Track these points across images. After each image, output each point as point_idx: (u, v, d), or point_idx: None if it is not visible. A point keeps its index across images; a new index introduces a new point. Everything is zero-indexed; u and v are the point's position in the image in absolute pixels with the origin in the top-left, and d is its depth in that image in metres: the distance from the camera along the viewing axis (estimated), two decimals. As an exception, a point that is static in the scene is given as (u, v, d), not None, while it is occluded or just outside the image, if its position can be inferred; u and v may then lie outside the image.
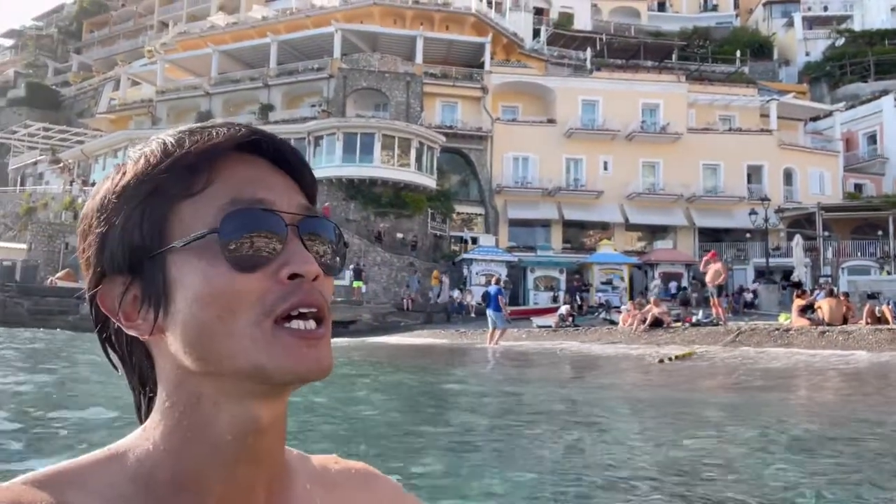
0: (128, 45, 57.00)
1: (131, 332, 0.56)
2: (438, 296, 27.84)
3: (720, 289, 13.49)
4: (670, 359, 10.14)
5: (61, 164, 40.81)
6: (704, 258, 15.20)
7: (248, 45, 38.87)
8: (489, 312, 15.19)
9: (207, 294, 0.52)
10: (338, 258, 0.59)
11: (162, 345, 0.55)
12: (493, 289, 15.36)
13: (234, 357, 0.52)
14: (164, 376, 0.56)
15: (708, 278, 13.77)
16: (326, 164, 30.36)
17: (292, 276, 0.53)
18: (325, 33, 36.22)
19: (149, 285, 0.54)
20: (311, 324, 0.54)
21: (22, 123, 45.16)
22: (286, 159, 0.59)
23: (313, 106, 35.03)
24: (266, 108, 35.93)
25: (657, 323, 13.55)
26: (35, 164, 43.24)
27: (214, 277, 0.52)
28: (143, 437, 0.56)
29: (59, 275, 26.24)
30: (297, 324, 0.53)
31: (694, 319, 14.54)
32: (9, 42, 68.61)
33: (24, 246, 30.92)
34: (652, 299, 15.94)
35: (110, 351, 0.61)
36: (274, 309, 0.52)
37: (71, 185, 37.09)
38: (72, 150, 40.99)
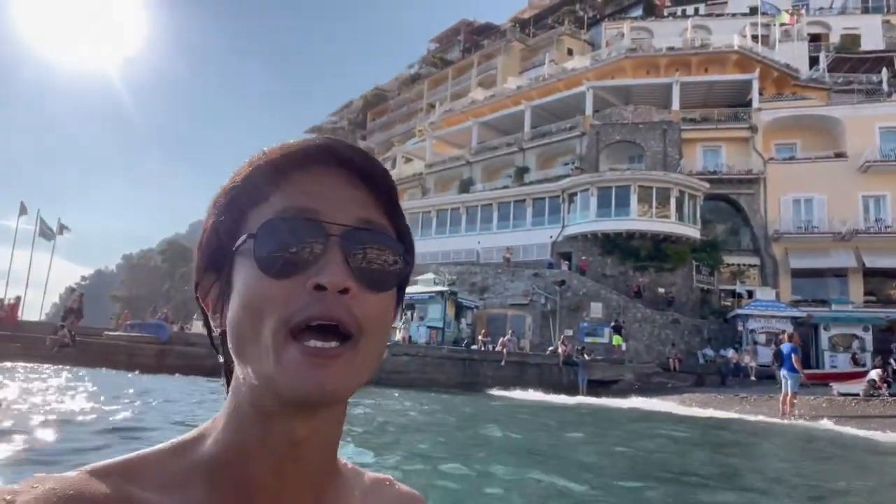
0: (403, 128, 64.52)
1: (212, 324, 0.61)
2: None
3: None
4: None
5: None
6: None
7: (504, 113, 41.13)
8: (783, 373, 13.20)
9: (244, 296, 0.54)
10: (387, 273, 0.57)
11: None
12: (786, 346, 13.35)
13: (256, 363, 0.54)
14: (235, 370, 0.59)
15: None
16: (581, 220, 30.16)
17: (318, 287, 0.53)
18: (576, 93, 36.74)
19: (224, 283, 0.58)
20: (331, 343, 0.53)
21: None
22: (359, 171, 0.59)
23: (566, 164, 35.39)
24: (521, 171, 37.29)
25: None
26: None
27: (250, 281, 0.54)
28: (210, 428, 0.58)
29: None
30: (312, 341, 0.52)
31: None
32: (311, 136, 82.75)
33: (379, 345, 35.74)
34: None
35: (215, 340, 0.64)
36: (292, 318, 0.52)
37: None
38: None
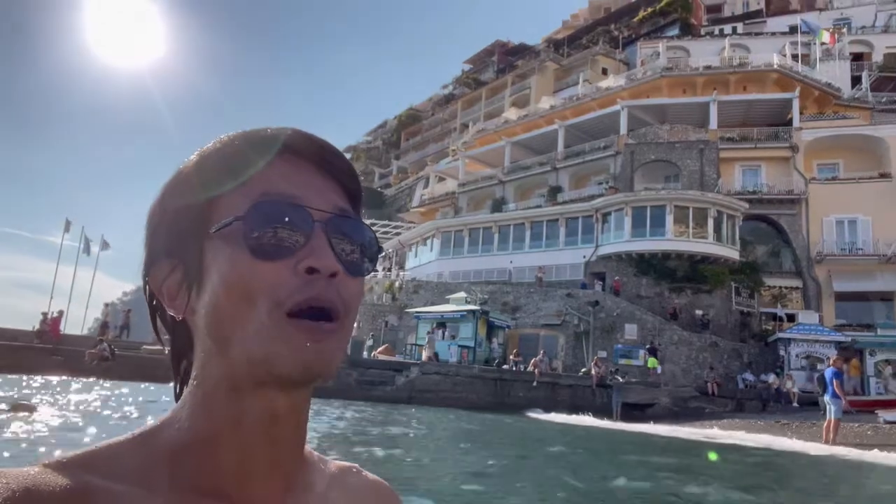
0: (436, 147, 64.97)
1: (170, 311, 0.59)
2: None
3: None
4: None
5: (383, 254, 47.30)
6: None
7: (538, 133, 41.11)
8: (826, 399, 12.77)
9: (230, 279, 0.54)
10: (366, 259, 0.60)
11: (196, 326, 0.58)
12: (828, 372, 12.92)
13: (246, 343, 0.54)
14: (196, 357, 0.58)
15: None
16: (615, 240, 29.80)
17: (310, 271, 0.54)
18: (610, 112, 36.55)
19: (189, 268, 0.57)
20: (323, 322, 0.54)
21: (355, 221, 53.88)
22: (329, 162, 0.60)
23: (600, 183, 35.11)
24: (554, 190, 37.10)
25: None
26: (364, 254, 50.83)
27: (237, 263, 0.54)
28: (173, 418, 0.57)
29: (379, 349, 29.73)
30: (307, 320, 0.54)
31: None
32: (348, 155, 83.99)
33: (354, 325, 35.99)
34: None
35: (160, 327, 0.63)
36: (286, 300, 0.53)
37: (389, 271, 42.58)
38: (391, 241, 47.36)
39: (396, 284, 38.38)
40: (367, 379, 24.76)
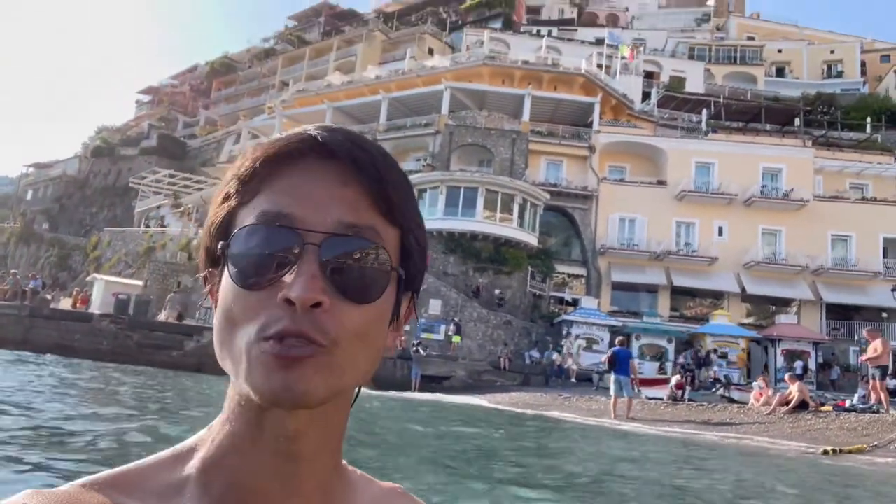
0: (251, 102, 61.00)
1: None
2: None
3: (884, 371, 11.46)
4: (835, 451, 8.47)
5: (181, 209, 43.41)
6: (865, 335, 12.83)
7: (361, 101, 40.39)
8: (616, 378, 13.53)
9: (222, 303, 0.54)
10: (372, 282, 0.53)
11: None
12: (623, 351, 13.88)
13: (233, 367, 0.53)
14: None
15: (866, 356, 11.80)
16: (429, 217, 30.26)
17: (288, 302, 0.50)
18: (434, 91, 37.01)
19: (218, 282, 0.56)
20: (302, 346, 0.50)
21: (150, 170, 48.76)
22: (353, 165, 0.55)
23: (419, 160, 35.46)
24: (373, 162, 36.68)
25: (802, 405, 11.75)
26: (158, 207, 46.27)
27: (226, 289, 0.53)
28: (208, 435, 0.57)
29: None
30: (280, 345, 0.50)
31: (848, 403, 12.57)
32: (146, 98, 75.51)
33: (140, 283, 32.58)
34: (786, 377, 14.07)
35: None
36: (263, 331, 0.50)
37: (187, 228, 39.16)
38: (192, 195, 43.58)
39: (194, 243, 35.44)
40: (149, 343, 22.51)
